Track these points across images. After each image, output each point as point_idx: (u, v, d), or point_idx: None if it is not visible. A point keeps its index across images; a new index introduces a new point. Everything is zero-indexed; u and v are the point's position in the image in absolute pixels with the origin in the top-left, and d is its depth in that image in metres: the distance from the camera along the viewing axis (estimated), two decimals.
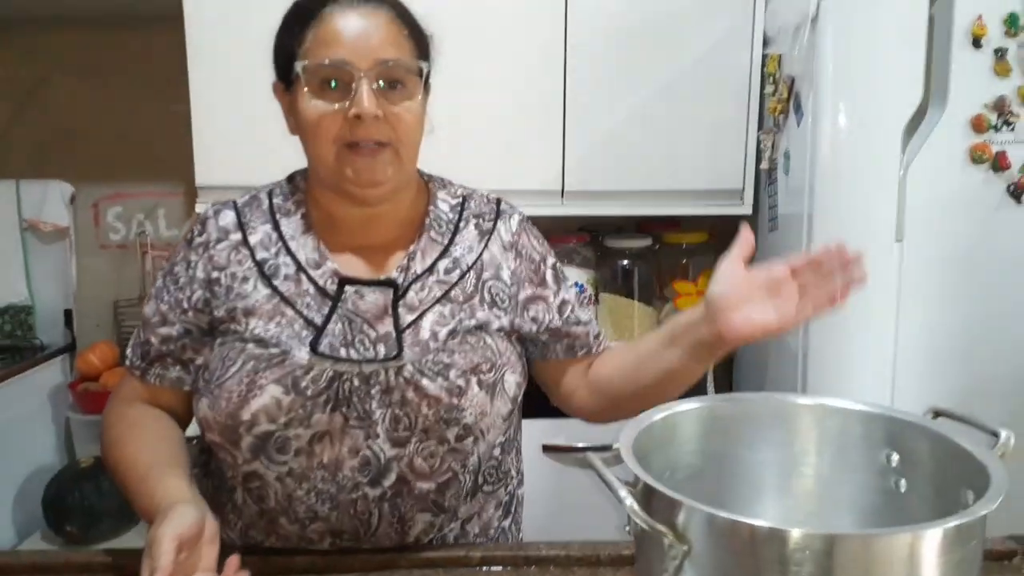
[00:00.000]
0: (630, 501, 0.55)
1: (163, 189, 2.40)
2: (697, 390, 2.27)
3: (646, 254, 2.21)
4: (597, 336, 1.10)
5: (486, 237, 1.04)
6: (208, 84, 1.96)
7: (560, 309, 1.06)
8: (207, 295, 0.98)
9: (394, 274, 0.98)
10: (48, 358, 2.24)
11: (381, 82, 0.91)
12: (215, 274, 0.98)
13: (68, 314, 2.35)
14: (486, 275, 1.02)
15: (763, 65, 1.95)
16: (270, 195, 1.04)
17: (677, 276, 2.21)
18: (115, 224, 2.43)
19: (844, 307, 0.84)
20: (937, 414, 0.72)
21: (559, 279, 1.08)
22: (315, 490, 0.94)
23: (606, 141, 2.00)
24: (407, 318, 0.96)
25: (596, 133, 2.00)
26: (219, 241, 0.99)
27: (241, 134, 1.96)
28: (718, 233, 2.31)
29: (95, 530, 1.93)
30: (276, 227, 1.00)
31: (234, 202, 1.03)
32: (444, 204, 1.05)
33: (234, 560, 0.82)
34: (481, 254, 1.02)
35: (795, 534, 0.50)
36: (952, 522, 0.51)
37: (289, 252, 0.98)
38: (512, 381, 1.00)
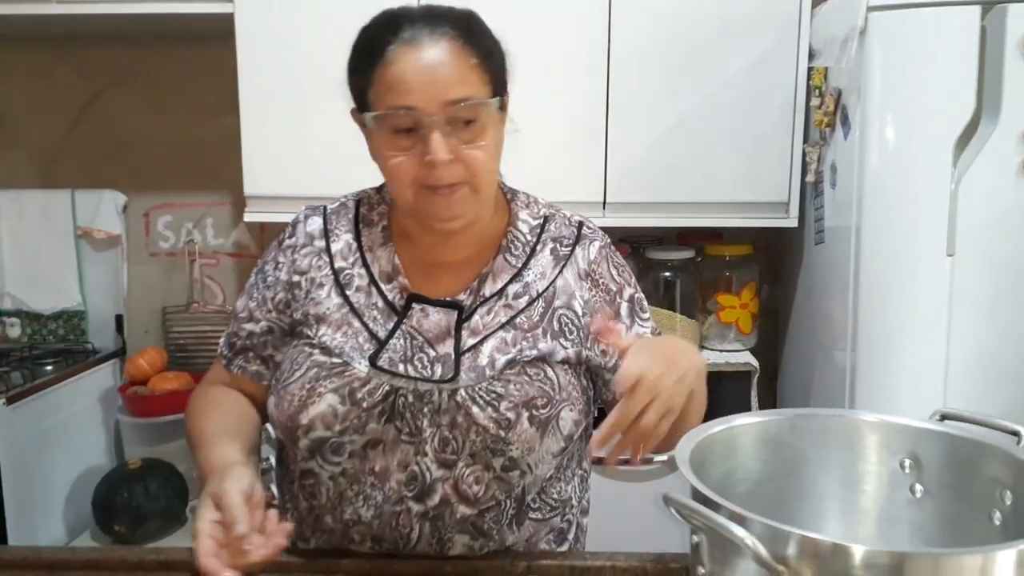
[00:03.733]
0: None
1: (211, 199, 2.46)
2: (741, 405, 2.24)
3: (688, 266, 2.20)
4: None
5: (561, 264, 1.02)
6: (258, 98, 2.01)
7: None
8: (288, 297, 1.02)
9: (462, 296, 0.99)
10: (99, 362, 2.30)
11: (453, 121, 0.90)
12: (296, 277, 1.02)
13: (119, 319, 2.41)
14: (557, 303, 1.00)
15: (808, 78, 1.93)
16: (358, 204, 1.07)
17: (720, 288, 2.19)
18: (165, 232, 2.49)
19: None
20: (944, 417, 0.70)
21: (635, 313, 1.04)
22: (363, 494, 0.96)
23: (649, 152, 2.00)
24: (468, 341, 0.96)
25: (639, 144, 2.00)
26: (304, 246, 1.03)
27: (289, 146, 2.01)
28: (762, 245, 2.30)
29: (142, 530, 1.98)
30: (357, 237, 1.04)
31: (324, 207, 1.07)
32: (524, 225, 1.04)
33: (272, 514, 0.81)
34: (554, 280, 1.01)
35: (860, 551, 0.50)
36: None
37: (365, 263, 1.01)
38: (569, 419, 0.96)
